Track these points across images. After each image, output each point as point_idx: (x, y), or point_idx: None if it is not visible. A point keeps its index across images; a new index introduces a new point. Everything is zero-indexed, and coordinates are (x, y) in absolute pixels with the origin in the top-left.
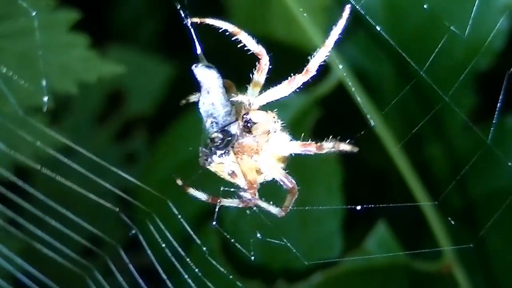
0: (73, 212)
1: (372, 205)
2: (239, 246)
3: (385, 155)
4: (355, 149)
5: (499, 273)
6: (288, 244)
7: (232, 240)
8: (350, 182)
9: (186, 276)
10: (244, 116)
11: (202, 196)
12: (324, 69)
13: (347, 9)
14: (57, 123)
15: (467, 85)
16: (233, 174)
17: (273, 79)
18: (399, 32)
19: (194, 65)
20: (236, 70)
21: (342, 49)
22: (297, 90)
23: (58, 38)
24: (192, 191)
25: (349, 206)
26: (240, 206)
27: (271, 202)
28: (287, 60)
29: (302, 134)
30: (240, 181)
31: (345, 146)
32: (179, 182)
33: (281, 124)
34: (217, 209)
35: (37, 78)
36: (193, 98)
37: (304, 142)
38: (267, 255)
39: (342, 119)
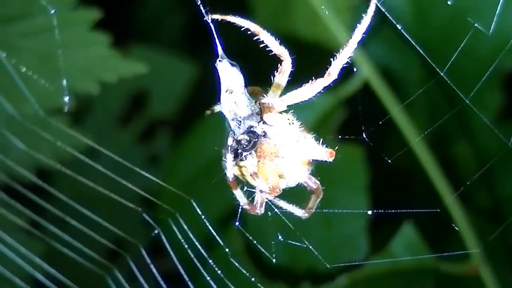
0: (95, 213)
1: (389, 211)
2: (261, 248)
3: (411, 154)
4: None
5: None
6: (310, 247)
7: (255, 242)
8: (376, 182)
9: (208, 278)
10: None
11: (243, 200)
12: (349, 69)
13: (372, 5)
14: (80, 124)
15: (493, 84)
16: (254, 175)
17: (297, 78)
18: (425, 29)
19: (219, 59)
20: (259, 71)
21: (368, 47)
22: (320, 92)
23: (78, 36)
24: (237, 193)
25: (364, 211)
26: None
27: (294, 204)
28: (311, 58)
29: (321, 140)
30: (261, 184)
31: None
32: (231, 176)
33: (299, 125)
34: (240, 210)
35: (57, 77)
36: (218, 108)
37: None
38: (291, 256)
39: (367, 119)
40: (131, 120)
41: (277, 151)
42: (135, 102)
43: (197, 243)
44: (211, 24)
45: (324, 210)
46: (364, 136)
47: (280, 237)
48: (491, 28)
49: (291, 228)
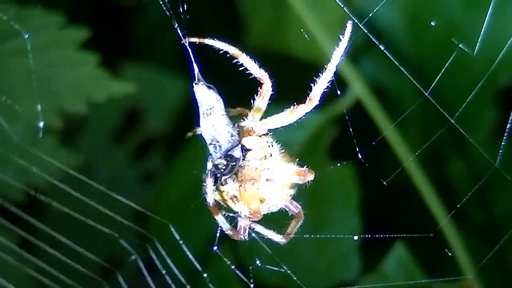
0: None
1: (378, 236)
2: (238, 273)
3: (404, 172)
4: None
5: None
6: (288, 272)
7: (233, 267)
8: (369, 200)
9: None
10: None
11: (226, 226)
12: (341, 86)
13: (349, 28)
14: (73, 143)
15: (486, 101)
16: (234, 198)
17: (288, 95)
18: (417, 47)
19: (195, 82)
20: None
21: (359, 63)
22: (301, 118)
23: (67, 56)
24: (219, 218)
25: (348, 236)
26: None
27: (272, 230)
28: (305, 75)
29: (297, 159)
30: (241, 208)
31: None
32: (211, 201)
33: (279, 148)
34: (218, 234)
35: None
36: (199, 130)
37: (300, 168)
38: (282, 277)
39: (360, 137)
40: (125, 138)
41: (257, 175)
42: (129, 119)
43: (174, 269)
44: (188, 48)
45: (305, 236)
46: (360, 157)
47: (258, 262)
48: (476, 48)
49: (269, 252)
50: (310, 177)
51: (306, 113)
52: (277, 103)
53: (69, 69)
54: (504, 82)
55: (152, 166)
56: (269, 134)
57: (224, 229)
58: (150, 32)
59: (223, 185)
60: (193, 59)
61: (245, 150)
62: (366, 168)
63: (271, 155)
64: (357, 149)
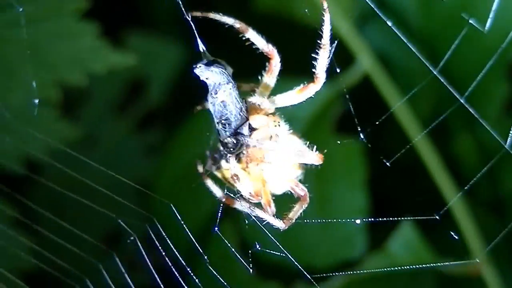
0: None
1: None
2: (239, 256)
3: (413, 150)
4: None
5: None
6: (290, 257)
7: (233, 250)
8: (377, 176)
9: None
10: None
11: (218, 192)
12: (349, 60)
13: (325, 4)
14: (74, 115)
15: (499, 76)
16: (235, 177)
17: (295, 65)
18: (428, 22)
19: (193, 66)
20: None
21: (369, 36)
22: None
23: (66, 27)
24: (209, 184)
25: (353, 220)
26: (257, 210)
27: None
28: (311, 45)
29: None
30: (242, 188)
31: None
32: (200, 169)
33: (288, 129)
34: (219, 215)
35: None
36: (208, 104)
37: (307, 149)
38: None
39: (367, 112)
40: (128, 109)
41: (262, 156)
42: (132, 90)
43: (174, 250)
44: (191, 22)
45: (306, 221)
46: (362, 136)
47: (258, 246)
48: (487, 24)
49: (270, 236)
50: (319, 160)
51: (316, 91)
52: (286, 75)
53: (68, 41)
54: None
55: (156, 138)
56: (276, 113)
57: (217, 195)
58: (153, 1)
59: (227, 162)
60: (197, 35)
61: (251, 129)
62: (373, 144)
63: (278, 136)
64: (359, 129)
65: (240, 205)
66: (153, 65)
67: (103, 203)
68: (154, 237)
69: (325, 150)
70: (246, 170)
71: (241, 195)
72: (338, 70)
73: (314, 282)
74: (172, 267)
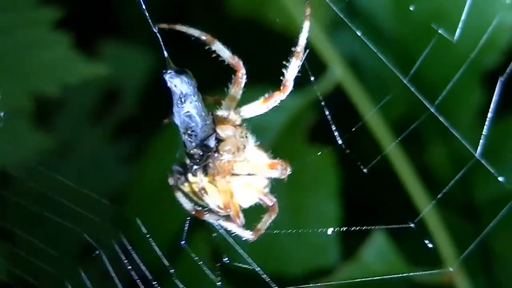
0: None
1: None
2: (206, 269)
3: (385, 157)
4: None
5: (504, 282)
6: (258, 269)
7: (201, 263)
8: (351, 185)
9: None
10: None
11: (187, 205)
12: (321, 68)
13: (307, 10)
14: (47, 125)
15: (471, 85)
16: (203, 190)
17: (269, 70)
18: (403, 28)
19: (164, 71)
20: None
21: (341, 44)
22: (276, 106)
23: (40, 36)
24: (179, 196)
25: (325, 230)
26: (223, 225)
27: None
28: (284, 50)
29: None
30: (210, 202)
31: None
32: (171, 181)
33: (254, 141)
34: (186, 228)
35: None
36: (175, 116)
37: (273, 161)
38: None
39: (340, 120)
40: (103, 118)
41: (229, 168)
42: (107, 99)
43: (140, 264)
44: (158, 35)
45: (275, 232)
46: (341, 142)
47: (226, 259)
48: (456, 33)
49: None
50: (287, 170)
51: (281, 100)
52: (257, 84)
53: (41, 51)
54: (490, 63)
55: (131, 146)
56: (244, 125)
57: (187, 208)
58: (127, 10)
59: (193, 176)
60: (163, 47)
61: (218, 139)
62: (346, 154)
63: (245, 147)
64: (336, 134)
65: (209, 218)
66: (128, 74)
67: (74, 215)
68: (120, 251)
69: (289, 166)
70: (213, 183)
71: (210, 209)
72: (312, 79)
73: None
74: (138, 281)
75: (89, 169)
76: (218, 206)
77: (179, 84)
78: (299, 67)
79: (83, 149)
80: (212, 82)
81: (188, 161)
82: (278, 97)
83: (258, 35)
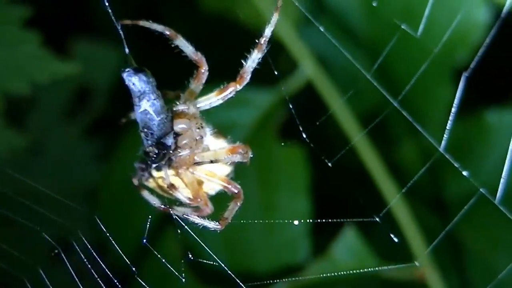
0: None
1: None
2: (170, 267)
3: (353, 150)
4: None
5: (475, 276)
6: (223, 265)
7: (163, 261)
8: (322, 181)
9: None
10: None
11: (154, 201)
12: (292, 65)
13: (279, 2)
14: (19, 123)
15: (441, 81)
16: (172, 187)
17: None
18: (370, 26)
19: (122, 69)
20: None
21: (311, 40)
22: (232, 97)
23: (9, 35)
24: (145, 194)
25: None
26: (192, 216)
27: (206, 217)
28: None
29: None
30: (180, 195)
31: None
32: (135, 181)
33: (211, 129)
34: (148, 225)
35: None
36: (133, 114)
37: (233, 145)
38: (229, 258)
39: (311, 116)
40: (75, 115)
41: (191, 159)
42: (80, 96)
43: (101, 263)
44: (120, 31)
45: (242, 221)
46: (305, 136)
47: (190, 256)
48: (420, 29)
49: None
50: (248, 153)
51: (237, 91)
52: (222, 78)
53: (10, 49)
54: (462, 61)
55: (104, 144)
56: (199, 116)
57: (155, 205)
58: (96, 9)
59: (157, 171)
60: (124, 42)
61: (175, 134)
62: (316, 146)
63: (202, 137)
64: (301, 129)
65: (177, 211)
66: (99, 72)
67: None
68: (80, 251)
69: (250, 149)
70: (178, 175)
71: (178, 201)
72: (276, 73)
73: None
74: (98, 279)
75: (61, 168)
76: (188, 198)
77: (136, 82)
78: (259, 59)
79: (54, 147)
80: (177, 79)
81: (146, 159)
82: (234, 88)
83: (229, 32)
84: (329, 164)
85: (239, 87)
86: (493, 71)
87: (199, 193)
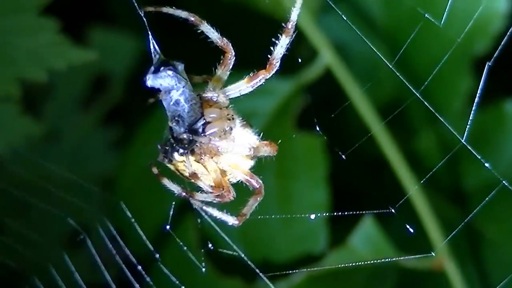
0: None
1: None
2: (191, 256)
3: (373, 142)
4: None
5: (493, 268)
6: (242, 255)
7: (185, 248)
8: (339, 172)
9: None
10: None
11: (175, 188)
12: (311, 54)
13: None
14: (36, 111)
15: (461, 71)
16: (194, 176)
17: (255, 56)
18: (390, 15)
19: (144, 79)
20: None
21: (330, 29)
22: (261, 85)
23: (26, 22)
24: (166, 182)
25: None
26: (214, 201)
27: (225, 211)
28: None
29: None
30: (202, 184)
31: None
32: (155, 170)
33: (241, 120)
34: (171, 212)
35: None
36: (161, 95)
37: (262, 141)
38: (247, 247)
39: (329, 106)
40: (92, 104)
41: (217, 149)
42: (96, 84)
43: (125, 249)
44: (144, 18)
45: (259, 217)
46: (318, 129)
47: (210, 245)
48: (443, 18)
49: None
50: (274, 149)
51: (266, 79)
52: (245, 68)
53: (28, 36)
54: (481, 50)
55: (120, 133)
56: (230, 106)
57: (176, 192)
58: None
59: (180, 155)
60: (151, 38)
61: (205, 122)
62: (333, 138)
63: (231, 129)
64: (315, 121)
65: (198, 197)
66: (116, 60)
67: (60, 201)
68: (105, 237)
69: (279, 141)
70: (200, 162)
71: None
72: (299, 60)
73: (266, 279)
74: (122, 265)
75: (77, 155)
76: (210, 186)
77: (163, 82)
78: (288, 45)
79: (71, 135)
80: (201, 65)
81: (175, 145)
82: (263, 75)
83: (249, 20)
84: (343, 157)
85: (268, 75)
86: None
87: (222, 180)
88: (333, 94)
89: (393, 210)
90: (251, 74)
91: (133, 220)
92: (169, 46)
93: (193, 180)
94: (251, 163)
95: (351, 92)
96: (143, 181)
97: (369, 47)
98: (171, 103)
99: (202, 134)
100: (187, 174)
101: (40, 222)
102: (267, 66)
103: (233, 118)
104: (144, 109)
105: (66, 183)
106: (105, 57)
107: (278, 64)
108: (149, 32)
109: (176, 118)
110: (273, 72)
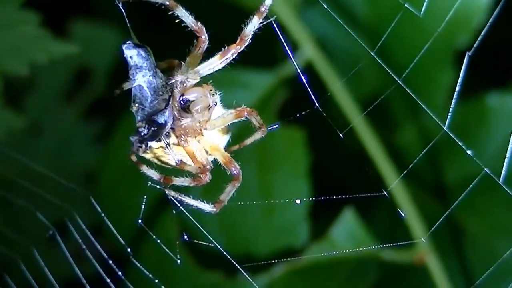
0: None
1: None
2: (166, 249)
3: (355, 136)
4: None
5: (474, 261)
6: (218, 246)
7: (158, 241)
8: (319, 166)
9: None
10: (180, 97)
11: (154, 174)
12: (292, 47)
13: None
14: (18, 105)
15: (443, 64)
16: (181, 163)
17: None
18: (372, 6)
19: (123, 40)
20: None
21: (311, 21)
22: (234, 59)
23: (7, 15)
24: (145, 169)
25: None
26: (192, 185)
27: (201, 199)
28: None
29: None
30: (190, 168)
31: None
32: (133, 158)
33: (219, 94)
34: (143, 206)
35: None
36: (127, 85)
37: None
38: (227, 242)
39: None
40: (74, 97)
41: (203, 127)
42: (78, 78)
43: (95, 243)
44: (122, 9)
45: (239, 203)
46: (318, 105)
47: (185, 237)
48: (423, 8)
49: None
50: (255, 113)
51: (239, 52)
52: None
53: (9, 29)
54: (464, 44)
55: (103, 126)
56: (209, 82)
57: (155, 178)
58: None
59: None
60: (126, 20)
61: (187, 101)
62: (316, 131)
63: (216, 104)
64: (313, 98)
65: (177, 182)
66: (99, 53)
67: (36, 197)
68: (75, 232)
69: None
70: (181, 144)
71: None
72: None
73: (244, 272)
74: (93, 260)
75: (60, 149)
76: (198, 168)
77: (134, 56)
78: (260, 24)
79: (53, 128)
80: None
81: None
82: (235, 49)
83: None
84: (341, 135)
85: (239, 48)
86: (494, 54)
87: (207, 159)
88: (316, 87)
89: (385, 193)
90: (222, 50)
91: (103, 214)
92: (147, 37)
93: (180, 167)
94: (227, 137)
95: (333, 85)
96: (125, 175)
97: (351, 40)
98: (135, 86)
99: (188, 113)
100: (172, 162)
101: (14, 217)
102: (238, 40)
103: (216, 93)
104: (126, 102)
105: (43, 179)
106: (87, 50)
107: (248, 40)
108: (127, 20)
109: (137, 105)
110: (244, 46)
